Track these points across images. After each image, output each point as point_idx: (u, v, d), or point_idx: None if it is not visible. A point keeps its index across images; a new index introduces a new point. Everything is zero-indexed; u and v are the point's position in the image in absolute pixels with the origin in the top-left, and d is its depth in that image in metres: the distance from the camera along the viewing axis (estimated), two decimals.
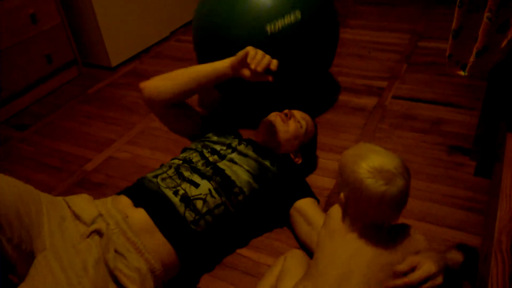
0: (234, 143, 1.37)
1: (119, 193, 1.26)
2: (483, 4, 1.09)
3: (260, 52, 1.22)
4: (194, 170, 1.26)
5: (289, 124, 1.44)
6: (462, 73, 1.20)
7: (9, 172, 1.10)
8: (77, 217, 1.11)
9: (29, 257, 1.03)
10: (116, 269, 1.02)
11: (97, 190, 1.64)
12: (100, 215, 1.12)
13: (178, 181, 1.22)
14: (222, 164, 1.28)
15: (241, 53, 1.24)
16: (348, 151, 0.99)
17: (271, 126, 1.44)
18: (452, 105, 1.90)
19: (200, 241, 1.20)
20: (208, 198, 1.20)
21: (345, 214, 1.00)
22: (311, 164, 1.64)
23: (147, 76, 2.46)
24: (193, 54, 2.66)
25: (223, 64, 1.30)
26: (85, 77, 2.52)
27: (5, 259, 1.01)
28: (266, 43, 1.53)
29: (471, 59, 1.15)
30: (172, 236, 1.15)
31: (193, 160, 1.30)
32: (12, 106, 2.21)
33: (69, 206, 1.15)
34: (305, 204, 1.29)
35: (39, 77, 2.30)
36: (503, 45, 1.07)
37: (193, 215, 1.17)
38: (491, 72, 1.34)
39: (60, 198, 1.18)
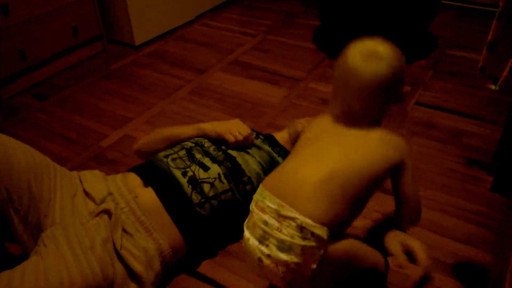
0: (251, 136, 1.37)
1: (130, 170, 1.27)
2: None
3: (242, 133, 1.29)
4: (206, 153, 1.26)
5: None
6: (493, 87, 1.18)
7: (25, 141, 1.11)
8: (87, 194, 1.13)
9: (35, 229, 1.04)
10: (123, 247, 1.03)
11: (111, 166, 1.66)
12: (110, 194, 1.13)
13: (188, 162, 1.23)
14: (233, 152, 1.29)
15: (223, 134, 1.31)
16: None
17: (298, 136, 1.42)
18: (475, 117, 1.86)
19: (205, 225, 1.21)
20: (216, 182, 1.21)
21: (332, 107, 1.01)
22: None
23: (169, 57, 2.48)
24: (215, 39, 2.65)
25: (209, 129, 1.34)
26: (109, 53, 2.54)
27: (9, 228, 1.03)
28: None
29: (505, 73, 1.12)
30: (178, 217, 1.16)
31: (205, 145, 1.30)
32: (34, 76, 2.23)
33: (81, 182, 1.17)
34: None
35: (63, 49, 2.32)
36: None
37: (199, 197, 1.18)
38: None
39: (74, 173, 1.19)
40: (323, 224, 0.87)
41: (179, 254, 1.19)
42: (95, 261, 0.97)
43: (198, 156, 1.25)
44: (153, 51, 2.55)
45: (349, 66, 0.94)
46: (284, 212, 0.88)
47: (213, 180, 1.21)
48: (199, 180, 1.19)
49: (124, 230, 1.07)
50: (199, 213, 1.18)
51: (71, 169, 1.23)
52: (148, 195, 1.17)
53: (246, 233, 0.96)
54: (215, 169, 1.22)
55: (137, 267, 1.04)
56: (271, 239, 0.89)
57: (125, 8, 2.45)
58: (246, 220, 0.97)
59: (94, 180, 1.18)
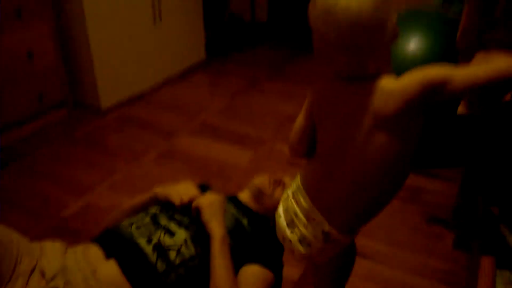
0: None
1: (92, 240, 1.23)
2: None
3: (189, 195, 1.28)
4: (171, 218, 1.24)
5: (277, 190, 1.41)
6: None
7: None
8: (41, 271, 1.09)
9: None
10: None
11: (72, 236, 1.60)
12: (64, 269, 1.09)
13: (153, 229, 1.20)
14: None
15: (169, 196, 1.29)
16: None
17: (258, 191, 1.42)
18: (432, 175, 1.93)
19: None
20: (183, 249, 1.18)
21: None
22: None
23: (136, 121, 2.49)
24: (183, 102, 2.70)
25: (159, 192, 1.33)
26: (75, 119, 2.53)
27: None
28: None
29: None
30: (141, 286, 1.11)
31: (171, 209, 1.29)
32: None
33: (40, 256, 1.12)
34: (246, 271, 1.22)
35: (29, 115, 2.30)
36: None
37: (165, 266, 1.14)
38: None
39: (36, 246, 1.15)
40: (347, 233, 0.93)
41: None
42: None
43: (163, 221, 1.23)
44: (119, 115, 2.57)
45: (317, 11, 0.78)
46: (314, 215, 0.92)
47: (180, 246, 1.18)
48: (165, 247, 1.17)
49: None
50: (164, 283, 1.14)
51: (31, 239, 1.19)
52: (109, 268, 1.12)
53: (280, 209, 1.02)
54: (181, 235, 1.20)
55: None
56: (296, 230, 0.96)
57: (92, 71, 2.48)
58: (283, 198, 1.03)
59: (51, 254, 1.14)
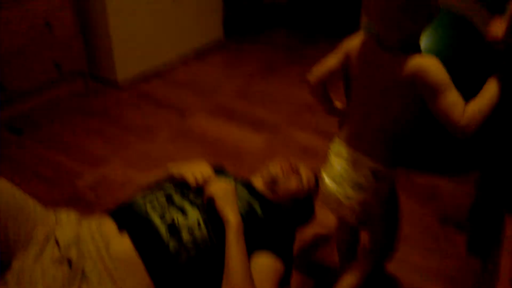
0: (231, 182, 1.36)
1: (107, 213, 1.24)
2: None
3: (204, 175, 1.27)
4: (185, 197, 1.24)
5: (291, 180, 1.38)
6: None
7: None
8: (56, 240, 1.10)
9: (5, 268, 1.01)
10: None
11: (86, 207, 1.61)
12: (78, 240, 1.10)
13: (167, 206, 1.20)
14: None
15: (184, 175, 1.28)
16: None
17: (271, 178, 1.38)
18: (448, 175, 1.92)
19: (180, 275, 1.17)
20: (196, 230, 1.18)
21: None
22: (303, 218, 1.63)
23: (152, 98, 2.48)
24: (199, 82, 2.69)
25: (174, 170, 1.32)
26: (91, 91, 2.52)
27: None
28: None
29: None
30: (152, 266, 1.12)
31: (186, 188, 1.29)
32: (13, 109, 2.19)
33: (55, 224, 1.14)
34: (257, 261, 1.21)
35: (45, 84, 2.30)
36: None
37: (177, 245, 1.15)
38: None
39: (52, 214, 1.16)
40: (389, 166, 1.08)
41: None
42: None
43: (177, 199, 1.23)
44: (136, 91, 2.56)
45: None
46: (358, 158, 1.08)
47: (193, 227, 1.18)
48: (178, 226, 1.17)
49: (87, 279, 1.03)
50: (175, 262, 1.15)
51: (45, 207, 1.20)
52: (122, 245, 1.13)
53: (325, 177, 1.14)
54: (194, 215, 1.20)
55: None
56: (347, 182, 1.09)
57: (109, 45, 2.47)
58: (323, 167, 1.16)
59: (66, 224, 1.15)
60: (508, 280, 1.01)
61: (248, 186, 1.40)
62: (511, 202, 1.24)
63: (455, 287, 1.38)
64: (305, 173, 1.42)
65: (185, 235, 1.16)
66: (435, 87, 0.94)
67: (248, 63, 3.02)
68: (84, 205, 1.63)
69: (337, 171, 1.12)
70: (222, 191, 1.21)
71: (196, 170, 1.29)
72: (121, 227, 1.17)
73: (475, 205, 1.48)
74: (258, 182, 1.44)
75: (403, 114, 1.05)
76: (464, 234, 1.57)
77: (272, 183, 1.38)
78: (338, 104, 1.25)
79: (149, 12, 2.62)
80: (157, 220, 1.17)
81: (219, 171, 1.44)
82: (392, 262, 1.37)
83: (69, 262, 1.04)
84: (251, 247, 1.25)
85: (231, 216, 1.17)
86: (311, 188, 1.43)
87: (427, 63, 0.96)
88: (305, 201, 1.46)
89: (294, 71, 2.86)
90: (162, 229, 1.16)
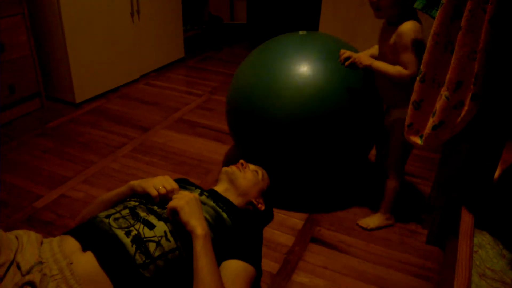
0: (196, 193, 1.35)
1: (68, 232, 1.20)
2: (442, 82, 1.18)
3: (166, 187, 1.27)
4: (151, 211, 1.22)
5: (246, 172, 1.50)
6: (419, 141, 1.28)
7: None
8: (17, 264, 1.05)
9: None
10: None
11: (46, 228, 1.55)
12: (40, 262, 1.06)
13: (132, 221, 1.18)
14: None
15: (147, 189, 1.28)
16: None
17: (231, 175, 1.48)
18: (406, 174, 1.99)
19: (149, 287, 1.14)
20: (163, 241, 1.16)
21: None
22: (268, 216, 1.65)
23: (111, 115, 2.44)
24: (160, 98, 2.68)
25: (136, 184, 1.32)
26: (47, 110, 2.46)
27: None
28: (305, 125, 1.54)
29: (427, 130, 1.22)
30: (119, 281, 1.09)
31: (150, 202, 1.27)
32: None
33: (16, 249, 1.09)
34: (228, 267, 1.22)
35: None
36: (457, 121, 1.16)
37: (144, 258, 1.12)
38: (444, 145, 1.43)
39: (13, 238, 1.11)
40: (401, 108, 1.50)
41: None
42: None
43: (142, 214, 1.21)
44: (94, 108, 2.51)
45: None
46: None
47: (159, 238, 1.16)
48: (144, 239, 1.14)
49: None
50: (142, 276, 1.12)
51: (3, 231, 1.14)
52: (85, 262, 1.09)
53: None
54: (161, 227, 1.18)
55: None
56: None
57: (67, 66, 2.42)
58: None
59: (27, 246, 1.10)
60: (465, 266, 1.05)
61: (213, 194, 1.40)
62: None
63: (417, 276, 1.42)
64: (258, 168, 1.56)
65: (151, 247, 1.14)
66: (402, 46, 1.38)
67: (209, 79, 3.04)
68: (44, 225, 1.57)
69: None
70: (186, 203, 1.20)
71: (158, 184, 1.28)
72: (84, 244, 1.14)
73: (432, 200, 1.53)
74: (221, 188, 1.46)
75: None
76: (423, 228, 1.62)
77: (233, 178, 1.44)
78: None
79: (109, 34, 2.61)
80: (121, 234, 1.15)
81: (183, 183, 1.44)
82: (356, 255, 1.39)
83: (33, 286, 0.99)
84: (221, 255, 1.24)
85: (197, 227, 1.17)
86: (265, 174, 1.56)
87: (403, 28, 1.38)
88: (267, 197, 1.52)
89: None
90: (127, 242, 1.13)
